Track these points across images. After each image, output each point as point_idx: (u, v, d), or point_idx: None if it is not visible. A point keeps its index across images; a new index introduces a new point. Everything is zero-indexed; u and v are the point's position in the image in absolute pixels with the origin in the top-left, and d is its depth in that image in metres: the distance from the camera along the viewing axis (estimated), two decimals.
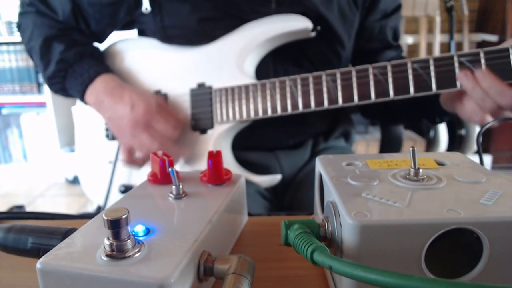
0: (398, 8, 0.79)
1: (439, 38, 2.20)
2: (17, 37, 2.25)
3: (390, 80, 0.58)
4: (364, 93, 0.59)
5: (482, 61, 0.54)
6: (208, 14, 0.68)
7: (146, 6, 0.69)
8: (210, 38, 0.70)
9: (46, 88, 2.26)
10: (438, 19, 2.18)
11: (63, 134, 2.38)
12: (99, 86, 0.69)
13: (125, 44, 0.78)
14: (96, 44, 0.79)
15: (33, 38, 0.73)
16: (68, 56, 0.71)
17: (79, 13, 0.73)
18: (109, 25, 0.75)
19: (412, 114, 0.78)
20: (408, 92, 0.57)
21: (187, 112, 0.71)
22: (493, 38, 2.21)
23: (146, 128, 0.65)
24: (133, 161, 0.69)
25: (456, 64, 0.55)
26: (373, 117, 0.92)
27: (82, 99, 0.72)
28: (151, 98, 0.67)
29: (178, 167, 0.72)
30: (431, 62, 0.56)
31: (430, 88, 0.57)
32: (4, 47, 2.29)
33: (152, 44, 0.75)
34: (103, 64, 0.74)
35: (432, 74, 0.56)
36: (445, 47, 2.20)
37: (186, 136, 0.72)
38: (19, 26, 0.77)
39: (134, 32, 0.81)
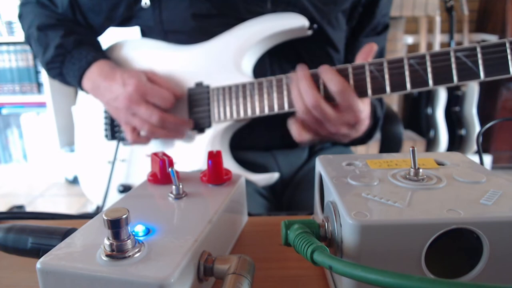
0: (387, 27, 0.79)
1: (439, 38, 2.20)
2: (17, 37, 2.25)
3: (386, 76, 0.58)
4: (360, 90, 0.59)
5: (479, 55, 0.54)
6: (204, 11, 0.68)
7: (146, 0, 0.70)
8: (207, 35, 0.70)
9: (46, 88, 2.26)
10: (438, 19, 2.18)
11: (63, 134, 2.38)
12: (95, 71, 0.70)
13: (123, 46, 0.78)
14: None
15: (33, 25, 0.74)
16: (67, 42, 0.72)
17: (77, 6, 0.74)
18: (107, 18, 0.76)
19: None
20: (405, 88, 0.57)
21: (185, 112, 0.72)
22: (493, 38, 2.22)
23: (141, 102, 0.66)
24: (139, 139, 0.70)
25: (453, 59, 0.55)
26: None
27: (80, 85, 0.72)
28: (141, 74, 0.68)
29: (178, 167, 0.72)
30: (428, 57, 0.56)
31: (427, 84, 0.57)
32: (4, 47, 2.29)
33: (150, 45, 0.75)
34: (101, 51, 0.75)
35: (429, 69, 0.56)
36: (445, 47, 2.20)
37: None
38: (20, 16, 0.79)
39: (133, 32, 0.81)
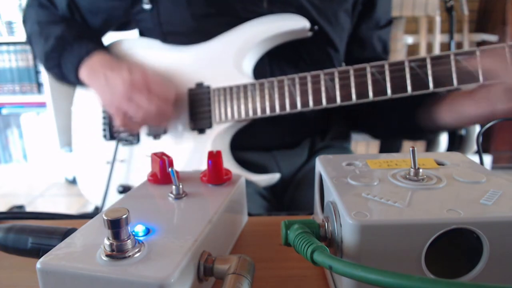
0: (390, 22, 0.81)
1: (439, 38, 2.20)
2: (17, 37, 2.25)
3: (387, 79, 0.58)
4: (362, 92, 0.59)
5: (479, 59, 0.55)
6: (203, 10, 0.69)
7: (146, 1, 0.70)
8: (206, 35, 0.70)
9: (46, 88, 2.26)
10: (438, 19, 2.18)
11: (63, 134, 2.38)
12: (95, 60, 0.70)
13: (124, 45, 0.78)
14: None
15: (35, 22, 0.75)
16: (69, 34, 0.72)
17: (75, 8, 0.75)
18: (106, 22, 0.76)
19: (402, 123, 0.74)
20: (406, 90, 0.58)
21: (186, 113, 0.71)
22: (493, 38, 2.21)
23: (142, 89, 0.65)
24: (129, 124, 0.69)
25: (453, 63, 0.56)
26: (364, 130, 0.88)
27: (76, 74, 0.72)
28: (146, 69, 0.69)
29: (179, 167, 0.72)
30: (428, 60, 0.57)
31: (427, 87, 0.57)
32: (4, 47, 2.29)
33: (150, 45, 0.75)
34: (102, 46, 0.76)
35: (429, 72, 0.57)
36: (445, 47, 2.20)
37: (184, 136, 0.72)
38: (24, 20, 0.80)
39: (133, 32, 0.81)
